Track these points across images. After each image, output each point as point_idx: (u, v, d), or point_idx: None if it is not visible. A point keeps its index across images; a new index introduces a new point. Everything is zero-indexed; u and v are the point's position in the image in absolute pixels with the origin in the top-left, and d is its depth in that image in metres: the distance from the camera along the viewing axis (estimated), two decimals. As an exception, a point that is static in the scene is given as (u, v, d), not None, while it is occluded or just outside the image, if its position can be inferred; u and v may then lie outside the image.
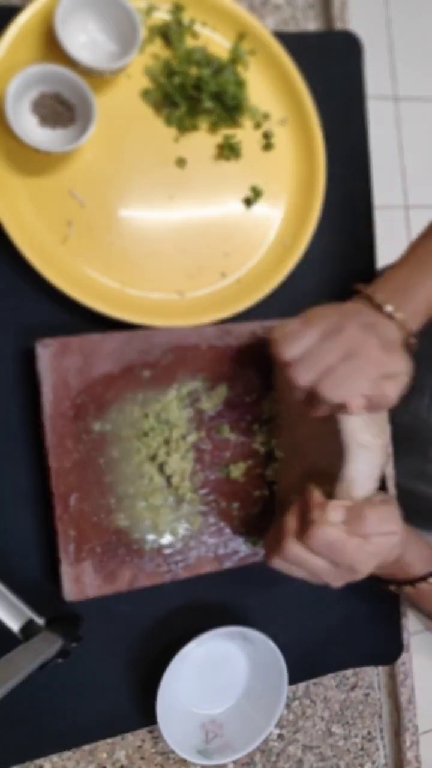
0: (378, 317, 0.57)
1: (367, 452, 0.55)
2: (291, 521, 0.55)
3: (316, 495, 0.55)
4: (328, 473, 0.57)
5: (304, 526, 0.53)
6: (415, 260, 0.62)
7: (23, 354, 0.62)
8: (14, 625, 0.56)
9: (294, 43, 0.72)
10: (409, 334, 0.58)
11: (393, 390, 0.53)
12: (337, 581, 0.56)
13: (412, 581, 0.63)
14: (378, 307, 0.57)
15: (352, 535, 0.53)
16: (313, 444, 0.62)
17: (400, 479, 0.79)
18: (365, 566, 0.54)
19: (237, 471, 0.66)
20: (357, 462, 0.55)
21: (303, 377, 0.53)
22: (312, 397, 0.53)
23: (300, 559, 0.54)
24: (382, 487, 0.74)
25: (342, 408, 0.52)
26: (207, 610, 0.68)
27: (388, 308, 0.57)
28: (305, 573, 0.55)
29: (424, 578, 0.63)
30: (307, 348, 0.53)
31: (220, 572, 0.66)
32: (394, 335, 0.56)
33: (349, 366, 0.52)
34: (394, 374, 0.53)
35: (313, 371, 0.52)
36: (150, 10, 0.67)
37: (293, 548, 0.54)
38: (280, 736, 0.72)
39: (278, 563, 0.55)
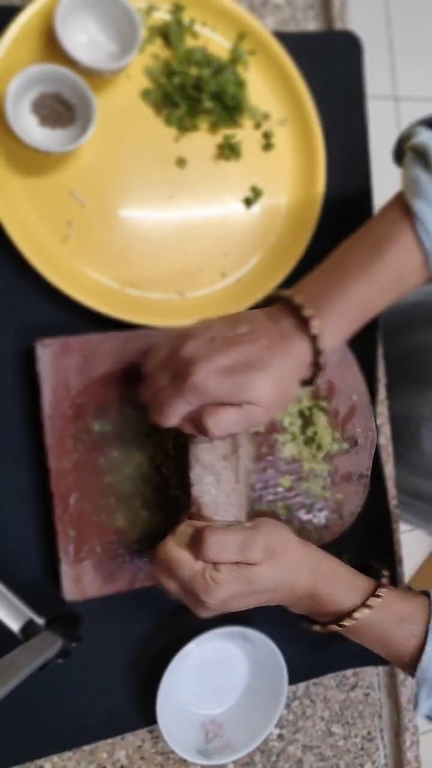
0: (272, 332, 0.50)
1: (213, 475, 0.53)
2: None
3: (184, 517, 0.54)
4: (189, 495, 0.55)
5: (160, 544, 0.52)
6: (344, 262, 0.55)
7: (23, 354, 0.62)
8: (14, 625, 0.56)
9: (294, 43, 0.72)
10: (320, 350, 0.51)
11: (216, 420, 0.48)
12: (193, 608, 0.52)
13: (336, 620, 0.56)
14: (296, 310, 0.51)
15: (198, 559, 0.49)
16: (186, 459, 0.58)
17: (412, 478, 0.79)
18: (212, 597, 0.49)
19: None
20: (201, 484, 0.53)
21: (141, 395, 0.53)
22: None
23: (155, 577, 0.53)
24: (383, 488, 0.74)
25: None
26: (207, 610, 0.68)
27: (307, 312, 0.50)
28: (169, 593, 0.53)
29: (348, 614, 0.55)
30: (155, 364, 0.52)
31: (220, 572, 0.66)
32: (277, 355, 0.49)
33: (168, 390, 0.49)
34: (233, 402, 0.48)
35: (146, 391, 0.52)
36: (150, 10, 0.67)
37: (151, 564, 0.54)
38: (280, 736, 0.72)
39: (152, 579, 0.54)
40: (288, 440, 0.66)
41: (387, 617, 0.56)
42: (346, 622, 0.55)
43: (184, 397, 0.48)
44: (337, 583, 0.56)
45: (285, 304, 0.53)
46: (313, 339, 0.50)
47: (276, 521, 0.55)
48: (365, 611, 0.55)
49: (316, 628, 0.59)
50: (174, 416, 0.49)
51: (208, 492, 0.53)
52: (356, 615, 0.55)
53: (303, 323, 0.50)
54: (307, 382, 0.53)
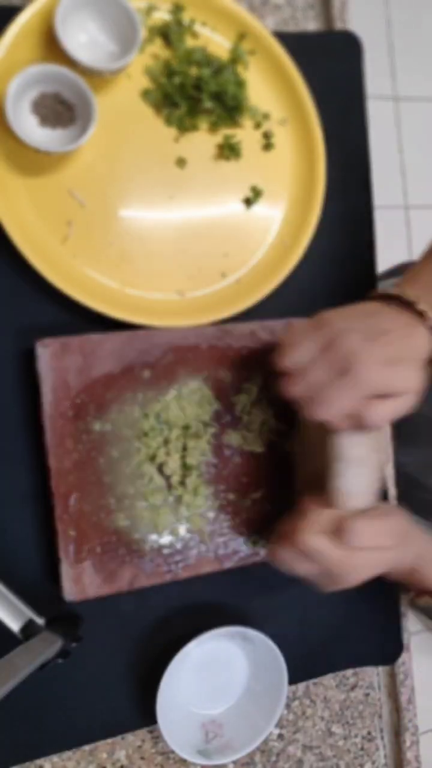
0: (398, 322, 0.52)
1: (357, 468, 0.54)
2: (287, 524, 0.56)
3: (309, 502, 0.55)
4: (323, 480, 0.57)
5: (293, 531, 0.54)
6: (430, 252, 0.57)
7: (23, 354, 0.62)
8: (14, 625, 0.56)
9: (294, 43, 0.72)
10: None
11: (379, 412, 0.49)
12: (325, 587, 0.56)
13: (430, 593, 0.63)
14: (409, 305, 0.53)
15: (336, 546, 0.52)
16: (318, 447, 0.61)
17: (414, 472, 0.79)
18: (351, 578, 0.53)
19: (237, 475, 0.66)
20: (343, 477, 0.54)
21: (291, 390, 0.52)
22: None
23: (289, 562, 0.55)
24: (384, 490, 0.74)
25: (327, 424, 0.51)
26: (207, 610, 0.68)
27: (421, 306, 0.53)
28: (301, 574, 0.56)
29: None
30: (303, 359, 0.51)
31: (220, 572, 0.66)
32: (414, 344, 0.52)
33: (336, 385, 0.49)
34: (391, 393, 0.50)
35: (300, 386, 0.51)
36: (150, 10, 0.67)
37: (282, 551, 0.55)
38: (280, 736, 0.72)
39: (276, 562, 0.56)
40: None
41: None
42: None
43: (350, 390, 0.49)
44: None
45: (397, 300, 0.54)
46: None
47: (396, 507, 0.60)
48: None
49: (412, 596, 0.66)
50: (338, 408, 0.50)
51: (350, 483, 0.54)
52: None
53: (420, 316, 0.53)
54: None
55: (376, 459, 0.56)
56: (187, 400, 0.64)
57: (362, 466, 0.55)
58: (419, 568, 0.59)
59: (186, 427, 0.64)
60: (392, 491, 0.77)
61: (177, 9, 0.67)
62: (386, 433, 0.57)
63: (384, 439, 0.56)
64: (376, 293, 0.56)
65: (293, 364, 0.52)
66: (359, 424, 0.50)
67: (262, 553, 0.66)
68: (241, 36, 0.69)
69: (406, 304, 0.53)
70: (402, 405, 0.50)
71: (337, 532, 0.52)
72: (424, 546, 0.60)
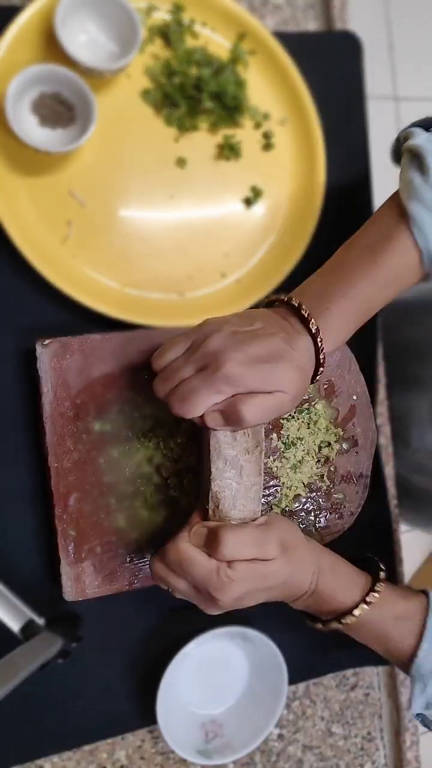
0: (279, 326, 0.52)
1: (235, 469, 0.52)
2: (169, 539, 0.53)
3: (195, 515, 0.53)
4: (206, 490, 0.55)
5: (169, 543, 0.52)
6: (338, 268, 0.55)
7: (23, 354, 0.62)
8: (14, 625, 0.56)
9: (294, 43, 0.72)
10: (320, 347, 0.52)
11: (248, 409, 0.48)
12: (202, 606, 0.52)
13: (338, 616, 0.56)
14: (296, 310, 0.52)
15: (211, 557, 0.49)
16: (203, 456, 0.58)
17: (402, 472, 0.79)
18: (225, 595, 0.49)
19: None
20: (222, 479, 0.52)
21: (158, 390, 0.51)
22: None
23: (162, 577, 0.52)
24: (383, 488, 0.74)
25: (200, 422, 0.50)
26: (207, 610, 0.68)
27: (305, 312, 0.52)
28: (174, 591, 0.53)
29: (348, 611, 0.55)
30: (171, 359, 0.51)
31: (220, 572, 0.66)
32: (292, 349, 0.51)
33: (196, 380, 0.49)
34: (257, 391, 0.49)
35: (167, 384, 0.51)
36: (150, 10, 0.67)
37: (156, 564, 0.52)
38: (280, 736, 0.72)
39: (154, 581, 0.54)
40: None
41: (385, 615, 0.56)
42: (347, 620, 0.55)
43: (216, 386, 0.48)
44: (337, 580, 0.56)
45: (286, 305, 0.54)
46: (314, 337, 0.52)
47: (283, 517, 0.56)
48: (364, 608, 0.55)
49: (318, 626, 0.59)
50: (202, 406, 0.49)
51: (229, 486, 0.52)
52: (355, 612, 0.55)
53: (304, 322, 0.52)
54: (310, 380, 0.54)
55: (254, 461, 0.53)
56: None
57: (239, 467, 0.53)
58: (321, 586, 0.55)
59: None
60: (393, 491, 0.77)
61: (177, 9, 0.67)
62: (260, 433, 0.54)
63: (262, 440, 0.54)
64: (266, 300, 0.56)
65: (164, 363, 0.52)
66: (230, 422, 0.49)
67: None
68: (241, 36, 0.70)
69: (292, 309, 0.53)
70: (273, 403, 0.49)
71: (209, 541, 0.50)
72: (320, 559, 0.55)
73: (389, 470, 0.77)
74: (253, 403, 0.48)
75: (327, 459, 0.66)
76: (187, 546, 0.50)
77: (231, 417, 0.49)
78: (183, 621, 0.67)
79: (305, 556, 0.54)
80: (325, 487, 0.67)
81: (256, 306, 0.59)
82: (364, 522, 0.69)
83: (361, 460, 0.68)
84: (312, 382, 0.54)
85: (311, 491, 0.66)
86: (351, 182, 0.76)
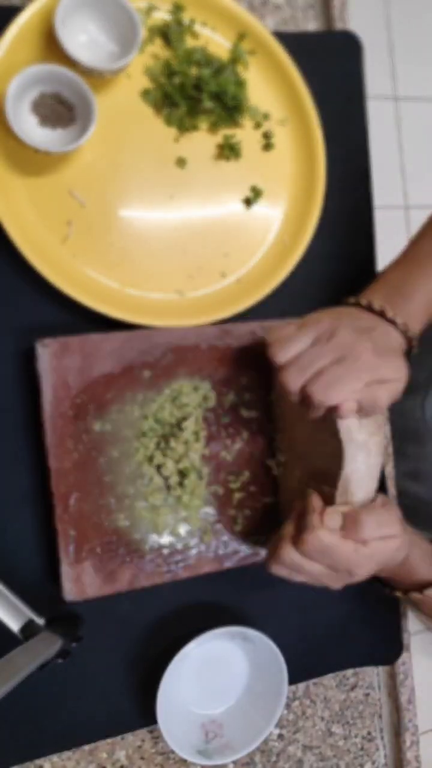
0: (377, 322, 0.57)
1: (365, 452, 0.55)
2: (289, 527, 0.56)
3: (314, 500, 0.55)
4: (326, 475, 0.57)
5: (300, 531, 0.54)
6: (412, 260, 0.61)
7: (23, 354, 0.62)
8: (14, 625, 0.56)
9: (294, 43, 0.72)
10: (411, 338, 0.58)
11: (384, 395, 0.52)
12: (336, 584, 0.56)
13: (419, 587, 0.63)
14: (380, 314, 0.57)
15: (348, 539, 0.53)
16: (312, 446, 0.61)
17: (398, 481, 0.79)
18: (363, 570, 0.54)
19: (237, 476, 0.66)
20: (355, 462, 0.55)
21: (294, 381, 0.53)
22: (305, 399, 0.53)
23: (296, 565, 0.54)
24: (383, 488, 0.74)
25: (335, 410, 0.53)
26: (207, 610, 0.68)
27: (390, 314, 0.57)
28: (304, 578, 0.55)
29: (428, 584, 0.62)
30: (300, 352, 0.53)
31: (220, 572, 0.66)
32: (394, 341, 0.56)
33: (340, 369, 0.52)
34: (386, 379, 0.53)
35: (303, 375, 0.53)
36: (150, 10, 0.67)
37: (289, 554, 0.54)
38: (280, 736, 0.72)
39: (277, 569, 0.56)
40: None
41: None
42: (429, 591, 0.62)
43: (358, 374, 0.52)
44: (423, 556, 0.62)
45: (367, 308, 0.58)
46: (404, 332, 0.58)
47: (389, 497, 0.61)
48: None
49: (397, 593, 0.66)
50: (346, 393, 0.52)
51: (359, 470, 0.55)
52: None
53: (391, 323, 0.57)
54: None
55: (378, 442, 0.56)
56: (186, 401, 0.64)
57: (368, 450, 0.55)
58: (410, 559, 0.60)
59: (183, 428, 0.64)
60: (392, 491, 0.77)
61: (177, 9, 0.67)
62: (382, 416, 0.57)
63: (383, 422, 0.57)
64: (348, 301, 0.60)
65: (290, 357, 0.53)
66: (366, 408, 0.53)
67: (263, 553, 0.66)
68: (241, 36, 0.69)
69: (377, 313, 0.57)
70: (398, 390, 0.54)
71: (349, 525, 0.53)
72: (414, 536, 0.61)
73: (389, 470, 0.77)
74: (388, 390, 0.53)
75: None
76: (325, 533, 0.53)
77: (368, 404, 0.53)
78: (183, 621, 0.67)
79: (413, 535, 0.61)
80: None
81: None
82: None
83: (361, 460, 0.68)
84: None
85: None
86: (351, 182, 0.76)
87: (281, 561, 0.55)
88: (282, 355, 0.53)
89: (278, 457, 0.67)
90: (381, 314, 0.57)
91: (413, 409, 0.82)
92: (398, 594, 0.66)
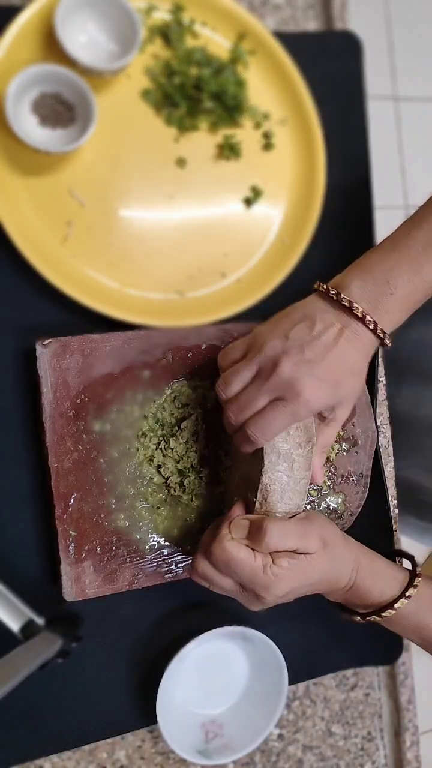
0: (342, 321, 0.52)
1: (287, 462, 0.53)
2: (207, 536, 0.54)
3: (236, 508, 0.54)
4: (250, 482, 0.55)
5: (211, 540, 0.52)
6: (399, 248, 0.53)
7: (23, 354, 0.62)
8: (14, 625, 0.56)
9: (294, 43, 0.72)
10: (383, 335, 0.52)
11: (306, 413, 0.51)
12: (249, 605, 0.53)
13: (377, 610, 0.57)
14: (348, 310, 0.52)
15: (256, 552, 0.50)
16: (240, 452, 0.58)
17: (412, 475, 0.78)
18: (271, 592, 0.50)
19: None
20: (275, 471, 0.53)
21: (235, 418, 0.53)
22: (244, 434, 0.53)
23: (208, 577, 0.52)
24: (382, 488, 0.74)
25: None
26: (207, 610, 0.68)
27: (359, 311, 0.51)
28: (219, 591, 0.53)
29: (387, 605, 0.56)
30: (242, 386, 0.53)
31: (220, 572, 0.66)
32: (357, 347, 0.51)
33: (277, 413, 0.51)
34: (330, 404, 0.52)
35: (243, 414, 0.52)
36: (150, 10, 0.67)
37: (201, 564, 0.52)
38: (280, 736, 0.72)
39: (195, 579, 0.54)
40: None
41: (423, 607, 0.57)
42: (386, 613, 0.56)
43: (295, 415, 0.51)
44: (376, 575, 0.57)
45: (335, 298, 0.53)
46: (373, 330, 0.52)
47: (322, 514, 0.57)
48: (404, 601, 0.56)
49: (357, 618, 0.59)
50: (281, 429, 0.52)
51: (279, 479, 0.53)
52: (396, 606, 0.56)
53: (359, 319, 0.51)
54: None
55: (305, 455, 0.54)
56: (186, 401, 0.64)
57: (292, 461, 0.54)
58: (358, 581, 0.55)
59: (183, 428, 0.64)
60: (392, 491, 0.77)
61: (177, 9, 0.67)
62: (312, 426, 0.56)
63: (314, 436, 0.55)
64: (318, 288, 0.55)
65: (233, 393, 0.53)
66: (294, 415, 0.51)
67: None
68: (241, 36, 0.69)
69: (345, 308, 0.51)
70: (341, 413, 0.54)
71: (254, 535, 0.50)
72: (358, 556, 0.56)
73: (389, 470, 0.77)
74: (333, 418, 0.54)
75: (327, 459, 0.66)
76: (231, 544, 0.50)
77: (289, 413, 0.51)
78: (183, 621, 0.67)
79: (344, 552, 0.55)
80: (325, 487, 0.67)
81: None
82: (364, 522, 0.69)
83: (361, 460, 0.68)
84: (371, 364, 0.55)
85: (311, 491, 0.66)
86: (351, 182, 0.76)
87: (195, 571, 0.53)
88: (225, 391, 0.53)
89: (225, 461, 0.65)
90: (349, 310, 0.51)
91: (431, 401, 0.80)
92: (357, 619, 0.59)
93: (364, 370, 0.54)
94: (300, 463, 0.54)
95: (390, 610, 0.56)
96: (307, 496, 0.65)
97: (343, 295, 0.52)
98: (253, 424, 0.51)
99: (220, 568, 0.51)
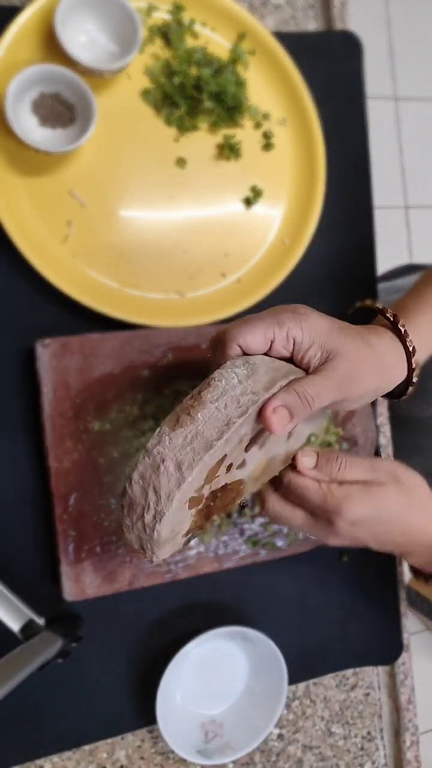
0: (383, 335, 0.53)
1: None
2: (276, 477, 0.53)
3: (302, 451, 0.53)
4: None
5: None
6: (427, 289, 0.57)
7: (23, 354, 0.62)
8: (14, 625, 0.56)
9: (294, 43, 0.72)
10: (412, 354, 0.53)
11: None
12: (324, 535, 0.51)
13: None
14: (392, 321, 0.54)
15: (326, 479, 0.50)
16: None
17: None
18: (342, 515, 0.48)
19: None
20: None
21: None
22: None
23: (278, 513, 0.52)
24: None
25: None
26: (207, 610, 0.68)
27: (401, 321, 0.53)
28: (291, 526, 0.53)
29: None
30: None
31: (220, 572, 0.66)
32: (389, 358, 0.52)
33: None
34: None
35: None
36: (150, 10, 0.67)
37: (271, 501, 0.52)
38: (280, 736, 0.72)
39: (268, 516, 0.53)
40: None
41: None
42: None
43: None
44: None
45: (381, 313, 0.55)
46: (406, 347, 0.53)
47: (408, 468, 0.54)
48: None
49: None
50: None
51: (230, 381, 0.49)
52: None
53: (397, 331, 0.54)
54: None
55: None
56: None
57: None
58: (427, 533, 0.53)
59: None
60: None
61: (177, 9, 0.67)
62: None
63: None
64: (364, 305, 0.58)
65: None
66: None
67: (263, 553, 0.66)
68: (241, 36, 0.69)
69: (389, 320, 0.54)
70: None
71: (323, 464, 0.50)
72: None
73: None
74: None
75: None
76: (296, 474, 0.50)
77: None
78: (183, 621, 0.67)
79: (426, 500, 0.52)
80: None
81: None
82: (364, 522, 0.69)
83: (361, 460, 0.68)
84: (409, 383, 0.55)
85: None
86: (351, 182, 0.76)
87: (266, 510, 0.52)
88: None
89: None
90: (393, 321, 0.53)
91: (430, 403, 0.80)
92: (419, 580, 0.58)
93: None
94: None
95: None
96: None
97: (386, 310, 0.55)
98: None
99: (291, 498, 0.50)
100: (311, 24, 0.78)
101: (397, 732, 0.76)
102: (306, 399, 0.46)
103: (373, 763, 0.75)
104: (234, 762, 0.69)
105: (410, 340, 0.53)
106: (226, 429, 0.44)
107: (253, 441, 0.48)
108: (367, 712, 0.76)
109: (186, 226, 0.68)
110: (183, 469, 0.44)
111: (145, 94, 0.67)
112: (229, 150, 0.69)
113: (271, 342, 0.47)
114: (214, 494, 0.49)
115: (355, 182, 0.77)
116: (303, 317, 0.47)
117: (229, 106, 0.68)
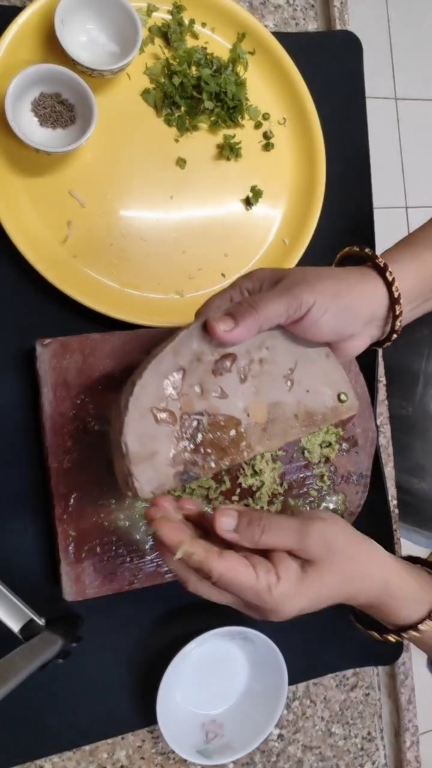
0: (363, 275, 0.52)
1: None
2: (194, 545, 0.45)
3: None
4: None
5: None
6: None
7: (23, 354, 0.62)
8: (14, 625, 0.56)
9: (294, 43, 0.72)
10: (396, 295, 0.51)
11: None
12: (256, 618, 0.47)
13: (399, 629, 0.52)
14: (372, 260, 0.52)
15: (257, 568, 0.43)
16: None
17: (397, 476, 0.79)
18: (279, 614, 0.44)
19: (236, 475, 0.66)
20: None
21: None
22: None
23: (202, 593, 0.46)
24: (382, 489, 0.74)
25: None
26: (207, 610, 0.68)
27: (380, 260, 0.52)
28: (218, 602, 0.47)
29: (412, 626, 0.51)
30: None
31: (220, 572, 0.66)
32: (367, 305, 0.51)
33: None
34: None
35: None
36: (150, 10, 0.67)
37: (194, 584, 0.46)
38: (280, 736, 0.72)
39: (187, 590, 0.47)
40: None
41: None
42: (414, 633, 0.51)
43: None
44: (404, 595, 0.51)
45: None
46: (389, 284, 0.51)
47: (335, 515, 0.50)
48: (429, 623, 0.51)
49: (390, 637, 0.53)
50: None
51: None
52: (421, 627, 0.51)
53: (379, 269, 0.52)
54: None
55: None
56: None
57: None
58: (384, 600, 0.50)
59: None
60: (393, 491, 0.77)
61: (177, 9, 0.67)
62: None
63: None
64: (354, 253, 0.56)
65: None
66: None
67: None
68: (241, 36, 0.69)
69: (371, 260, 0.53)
70: None
71: (246, 524, 0.45)
72: (390, 578, 0.50)
73: (389, 470, 0.77)
74: None
75: (327, 459, 0.67)
76: (227, 565, 0.43)
77: None
78: (183, 621, 0.67)
79: (363, 570, 0.49)
80: (325, 487, 0.67)
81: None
82: (364, 522, 0.69)
83: (361, 460, 0.68)
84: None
85: (311, 491, 0.66)
86: (351, 182, 0.76)
87: (188, 589, 0.46)
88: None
89: None
90: (382, 269, 0.51)
91: (421, 402, 0.80)
92: (391, 638, 0.53)
93: None
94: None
95: (414, 632, 0.51)
96: (307, 497, 0.66)
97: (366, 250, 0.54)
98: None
99: (219, 586, 0.44)
100: (311, 24, 0.78)
101: (397, 732, 0.76)
102: (250, 304, 0.46)
103: (373, 763, 0.75)
104: (234, 762, 0.69)
105: (396, 287, 0.51)
106: (170, 340, 0.46)
107: (221, 366, 0.48)
108: (367, 712, 0.76)
109: (186, 226, 0.68)
110: (135, 380, 0.46)
111: (145, 94, 0.67)
112: (229, 150, 0.69)
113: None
114: (198, 423, 0.47)
115: (355, 182, 0.77)
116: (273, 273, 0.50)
117: (229, 106, 0.68)
